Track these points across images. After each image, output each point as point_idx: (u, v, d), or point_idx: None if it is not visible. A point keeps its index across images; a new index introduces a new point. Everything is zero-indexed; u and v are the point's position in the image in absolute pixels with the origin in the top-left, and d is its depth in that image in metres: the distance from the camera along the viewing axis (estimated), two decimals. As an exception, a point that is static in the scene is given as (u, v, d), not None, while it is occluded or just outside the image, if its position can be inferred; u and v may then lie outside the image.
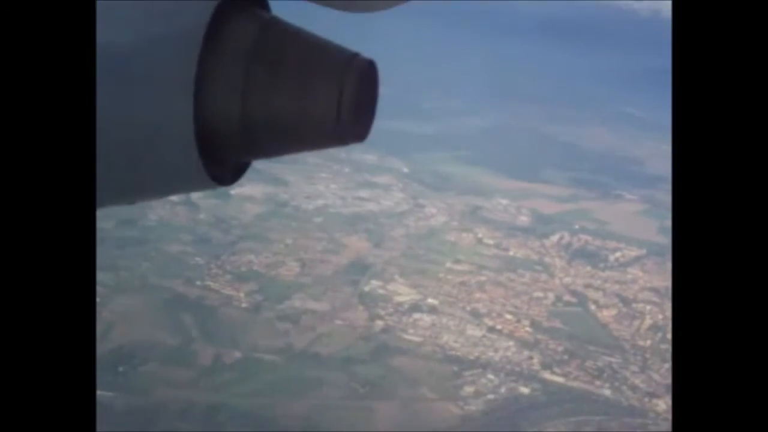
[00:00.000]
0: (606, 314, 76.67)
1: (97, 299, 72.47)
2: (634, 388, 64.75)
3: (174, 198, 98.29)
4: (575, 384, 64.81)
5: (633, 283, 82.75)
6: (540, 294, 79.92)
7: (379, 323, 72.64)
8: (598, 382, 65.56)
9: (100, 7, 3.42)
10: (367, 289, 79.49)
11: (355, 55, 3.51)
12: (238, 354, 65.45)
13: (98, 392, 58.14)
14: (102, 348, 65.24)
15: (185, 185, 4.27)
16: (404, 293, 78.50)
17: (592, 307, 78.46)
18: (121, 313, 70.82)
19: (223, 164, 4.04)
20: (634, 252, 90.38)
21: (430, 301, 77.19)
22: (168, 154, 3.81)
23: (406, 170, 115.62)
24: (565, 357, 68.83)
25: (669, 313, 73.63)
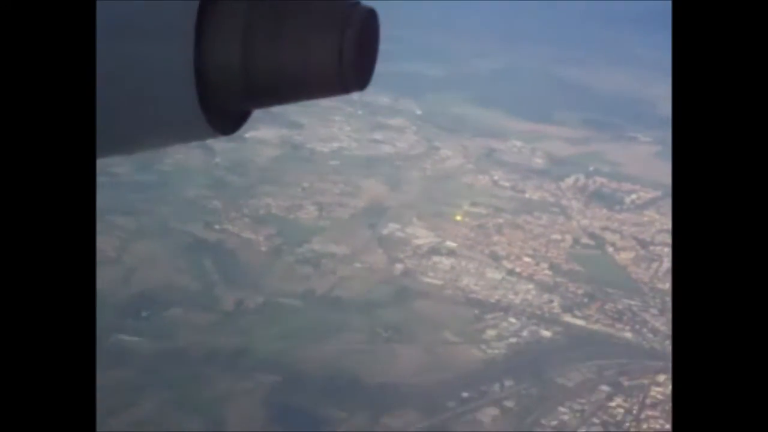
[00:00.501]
0: (624, 257, 75.63)
1: (117, 243, 71.53)
2: (654, 330, 63.88)
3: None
4: (596, 327, 63.96)
5: (650, 226, 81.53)
6: (558, 236, 78.80)
7: (399, 266, 71.64)
8: (618, 325, 64.68)
9: None
10: (385, 232, 78.37)
11: (356, 4, 3.50)
12: (260, 298, 64.52)
13: (123, 337, 57.62)
14: (124, 293, 64.42)
15: (186, 135, 4.18)
16: (422, 236, 77.42)
17: (610, 249, 77.38)
18: (142, 258, 69.86)
19: (223, 113, 3.98)
20: (649, 194, 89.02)
21: (448, 243, 76.11)
22: (169, 103, 3.75)
23: (419, 112, 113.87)
24: (585, 300, 67.89)
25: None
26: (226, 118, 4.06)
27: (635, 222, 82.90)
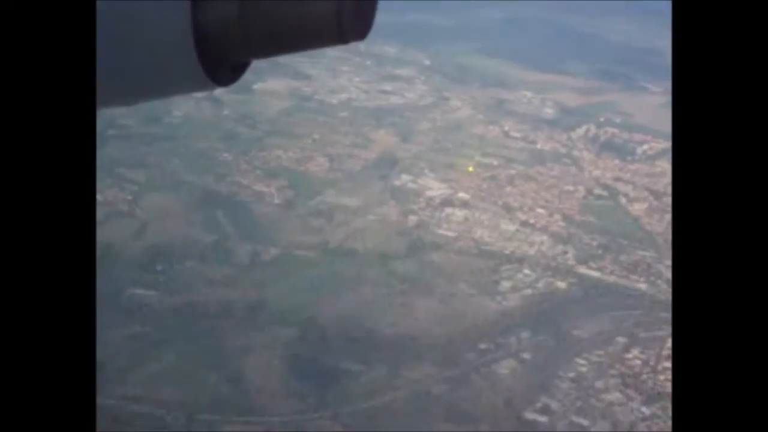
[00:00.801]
0: (637, 208, 74.88)
1: (129, 197, 70.77)
2: (669, 282, 63.13)
3: (198, 93, 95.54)
4: (611, 278, 63.39)
5: (662, 176, 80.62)
6: (570, 187, 78.01)
7: (413, 218, 70.91)
8: (633, 276, 64.11)
9: None
10: (397, 183, 77.54)
11: None
12: (274, 251, 63.89)
13: (139, 291, 57.05)
14: (138, 246, 63.77)
15: (184, 86, 4.16)
16: (435, 187, 76.63)
17: (623, 200, 76.62)
18: (154, 211, 69.11)
19: (221, 64, 3.98)
20: (661, 144, 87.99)
21: (461, 195, 75.35)
22: (167, 55, 3.73)
23: (427, 62, 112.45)
24: (600, 251, 67.27)
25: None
26: (224, 69, 4.04)
27: (647, 173, 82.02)
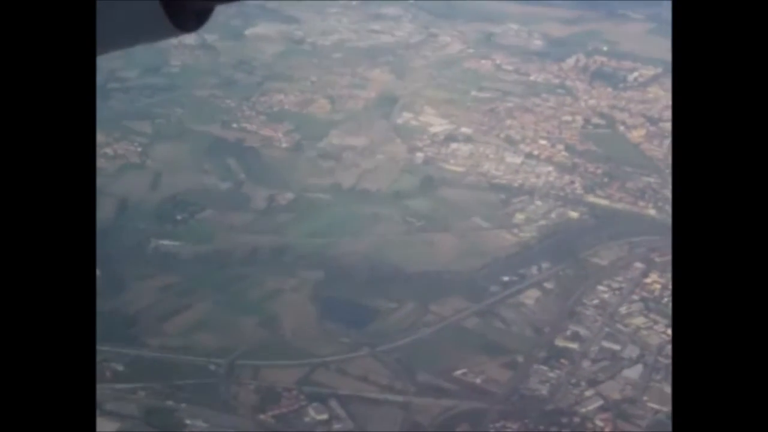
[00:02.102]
0: (636, 135, 74.06)
1: (139, 149, 68.94)
2: (676, 205, 62.60)
3: (191, 41, 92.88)
4: (620, 206, 62.82)
5: (656, 102, 79.70)
6: (568, 118, 76.93)
7: (420, 155, 69.74)
8: (641, 203, 63.53)
9: None
10: (400, 121, 76.08)
11: None
12: (290, 195, 62.67)
13: (163, 242, 55.79)
14: (155, 198, 62.22)
15: (149, 33, 4.10)
16: (437, 123, 75.31)
17: (621, 128, 75.72)
18: (165, 162, 67.39)
19: (184, 10, 3.97)
20: (650, 71, 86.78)
21: (463, 130, 74.13)
22: (131, 3, 3.77)
23: None
24: (605, 179, 66.57)
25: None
26: (188, 14, 4.00)
27: (641, 99, 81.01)
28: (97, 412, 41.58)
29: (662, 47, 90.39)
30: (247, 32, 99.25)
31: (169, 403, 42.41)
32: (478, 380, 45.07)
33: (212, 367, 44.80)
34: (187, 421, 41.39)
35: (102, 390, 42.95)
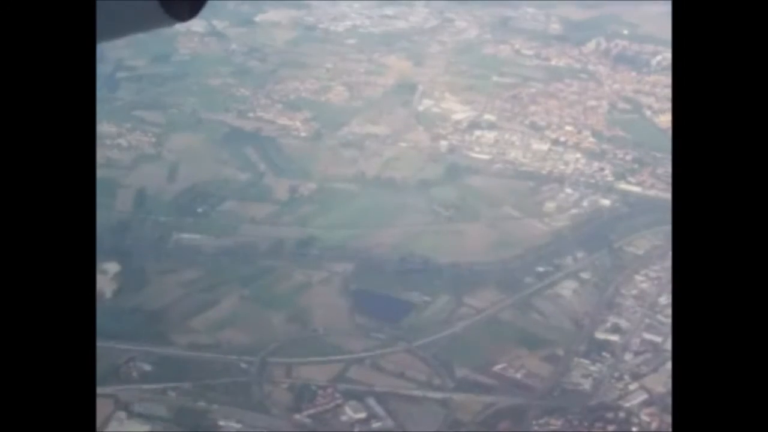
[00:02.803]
0: (663, 119, 72.58)
1: (153, 140, 67.49)
2: (710, 191, 61.29)
3: (199, 28, 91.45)
4: (652, 192, 61.44)
5: (681, 86, 77.96)
6: (593, 103, 75.53)
7: (444, 143, 68.32)
8: (674, 189, 62.07)
9: None
10: (421, 108, 74.64)
11: None
12: (312, 185, 61.27)
13: (184, 235, 54.48)
14: (173, 189, 60.75)
15: (143, 22, 4.20)
16: (459, 110, 73.89)
17: (648, 113, 74.33)
18: (182, 152, 65.92)
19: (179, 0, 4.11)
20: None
21: (487, 117, 72.72)
22: None
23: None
24: (636, 166, 65.22)
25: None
26: (182, 4, 4.15)
27: (666, 84, 79.30)
28: (125, 414, 40.44)
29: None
30: (257, 19, 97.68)
31: (201, 403, 41.11)
32: (518, 375, 43.83)
33: (243, 366, 43.51)
34: (221, 423, 40.11)
35: (129, 391, 41.80)
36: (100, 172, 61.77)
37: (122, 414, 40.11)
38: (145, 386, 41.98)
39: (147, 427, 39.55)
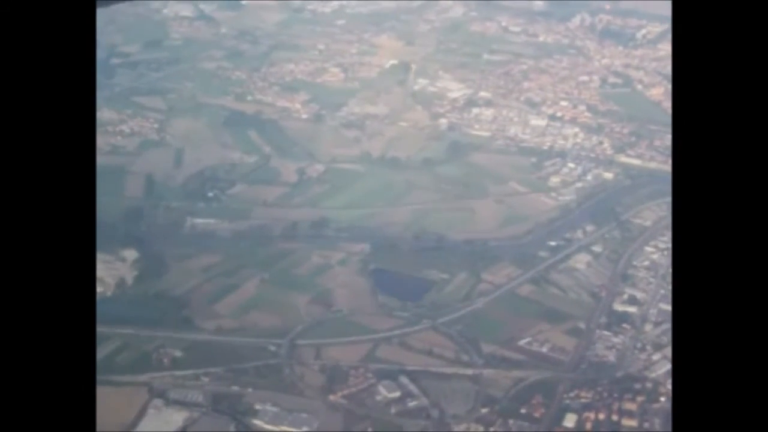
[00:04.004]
0: (655, 93, 72.59)
1: (156, 125, 66.06)
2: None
3: (188, 13, 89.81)
4: (652, 165, 61.34)
5: (668, 59, 77.82)
6: (585, 78, 75.27)
7: (443, 121, 67.68)
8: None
9: None
10: (417, 88, 73.85)
11: None
12: (319, 166, 60.32)
13: (198, 220, 53.47)
14: (181, 174, 59.42)
15: None
16: (455, 88, 73.22)
17: (639, 86, 74.26)
18: (185, 137, 64.51)
19: None
20: (657, 27, 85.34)
21: (482, 94, 72.18)
22: None
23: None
24: (633, 139, 65.12)
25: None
26: None
27: (653, 57, 79.53)
28: (161, 401, 39.49)
29: (663, 3, 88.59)
30: (244, 2, 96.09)
31: (235, 388, 40.25)
32: (544, 349, 43.44)
33: (272, 348, 42.67)
34: (257, 406, 39.27)
35: (162, 378, 40.83)
36: (107, 159, 60.36)
37: (159, 402, 39.16)
38: (178, 373, 41.02)
39: (185, 414, 38.64)
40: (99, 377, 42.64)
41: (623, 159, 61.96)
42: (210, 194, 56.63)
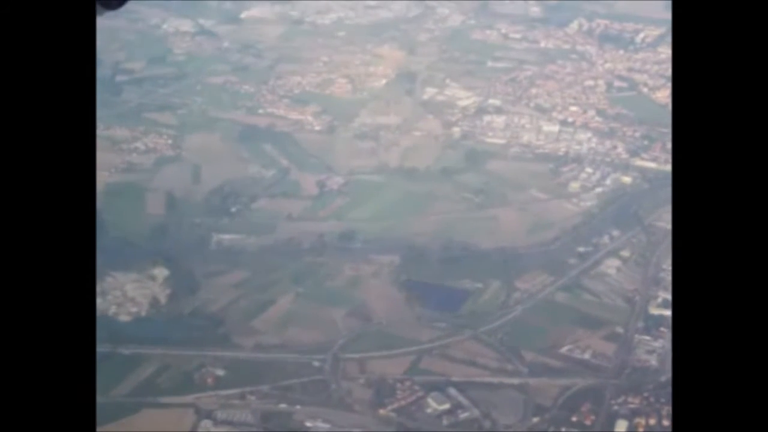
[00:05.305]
0: (660, 95, 72.45)
1: (170, 141, 65.01)
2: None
3: (188, 28, 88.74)
4: (668, 167, 60.86)
5: (669, 62, 77.74)
6: (590, 83, 74.98)
7: (456, 130, 67.12)
8: (687, 162, 61.80)
9: None
10: (425, 97, 73.24)
11: None
12: (339, 178, 59.57)
13: (224, 236, 52.55)
14: (201, 190, 58.43)
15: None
16: (463, 97, 72.67)
17: (645, 90, 74.04)
18: (201, 152, 63.51)
19: None
20: (655, 31, 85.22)
21: (492, 101, 71.66)
22: None
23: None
24: (645, 142, 64.85)
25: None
26: None
27: (655, 60, 79.40)
28: (210, 422, 38.66)
29: (658, 6, 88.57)
30: (243, 15, 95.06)
31: (283, 405, 39.51)
32: (586, 355, 43.07)
33: (316, 364, 41.97)
34: (308, 423, 38.57)
35: (208, 398, 40.04)
36: (124, 177, 59.47)
37: (208, 422, 38.31)
38: (223, 392, 40.22)
39: (236, 434, 37.81)
40: (143, 399, 41.94)
41: (639, 162, 61.71)
42: (233, 209, 55.73)
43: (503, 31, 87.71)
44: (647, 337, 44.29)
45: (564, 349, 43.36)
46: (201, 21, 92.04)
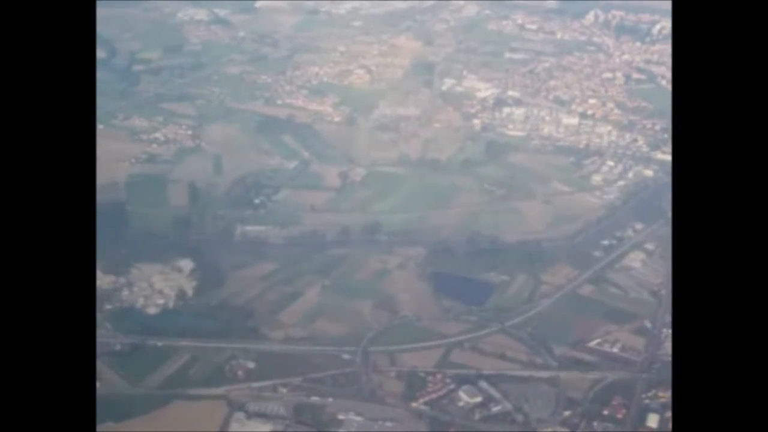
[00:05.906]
0: (679, 87, 71.89)
1: (189, 132, 64.91)
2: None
3: (203, 16, 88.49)
4: (689, 160, 60.69)
5: (687, 54, 77.55)
6: (608, 75, 74.88)
7: (476, 122, 67.02)
8: (708, 156, 61.70)
9: None
10: (444, 88, 73.18)
11: None
12: (360, 170, 59.48)
13: (249, 228, 52.50)
14: (223, 181, 58.42)
15: None
16: (482, 88, 72.61)
17: (663, 82, 73.92)
18: (221, 143, 63.50)
19: None
20: (671, 23, 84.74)
21: (511, 93, 71.52)
22: None
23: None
24: (665, 135, 64.84)
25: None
26: None
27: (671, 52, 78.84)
28: (243, 414, 38.56)
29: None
30: (258, 5, 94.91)
31: (315, 398, 39.38)
32: (615, 349, 42.96)
33: (346, 356, 41.85)
34: (340, 416, 38.42)
35: (240, 390, 39.88)
36: (145, 168, 59.32)
37: (241, 415, 38.20)
38: (254, 384, 40.09)
39: (268, 427, 37.73)
40: (174, 391, 41.84)
41: (660, 156, 61.68)
42: (256, 201, 55.61)
43: (519, 21, 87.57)
44: (675, 331, 44.16)
45: (593, 343, 43.29)
46: (216, 10, 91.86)
